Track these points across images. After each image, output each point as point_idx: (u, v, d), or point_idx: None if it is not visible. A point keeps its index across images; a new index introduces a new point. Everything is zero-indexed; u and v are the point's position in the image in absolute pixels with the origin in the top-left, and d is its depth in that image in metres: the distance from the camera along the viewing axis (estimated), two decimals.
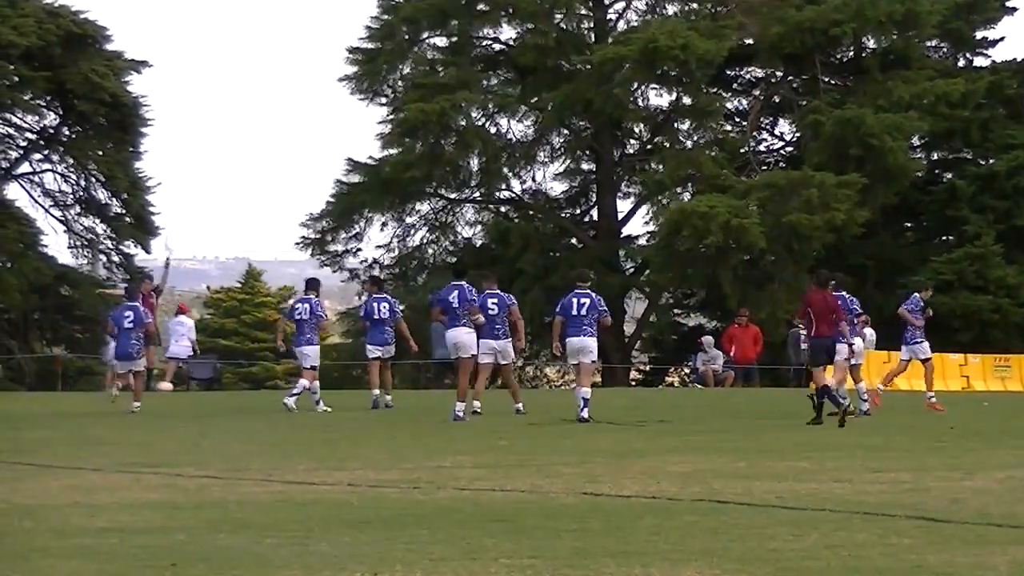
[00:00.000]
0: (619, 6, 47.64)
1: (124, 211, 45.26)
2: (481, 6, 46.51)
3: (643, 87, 46.43)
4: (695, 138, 46.62)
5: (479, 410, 22.34)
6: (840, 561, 8.30)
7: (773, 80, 48.32)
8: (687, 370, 43.25)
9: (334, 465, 14.22)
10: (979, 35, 49.58)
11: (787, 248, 42.28)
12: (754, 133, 48.17)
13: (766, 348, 39.72)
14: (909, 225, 49.39)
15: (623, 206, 47.78)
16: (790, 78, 47.85)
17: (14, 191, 45.39)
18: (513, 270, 42.97)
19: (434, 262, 47.45)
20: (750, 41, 46.30)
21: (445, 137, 44.95)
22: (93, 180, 45.24)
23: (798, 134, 47.38)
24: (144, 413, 23.60)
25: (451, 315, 22.51)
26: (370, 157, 46.61)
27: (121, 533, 9.61)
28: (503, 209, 48.39)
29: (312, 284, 25.78)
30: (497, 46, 47.71)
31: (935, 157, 49.26)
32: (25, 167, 45.60)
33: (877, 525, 9.67)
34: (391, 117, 45.67)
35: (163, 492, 12.10)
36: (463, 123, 45.04)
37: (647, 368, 48.80)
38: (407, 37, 46.51)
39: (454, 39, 46.97)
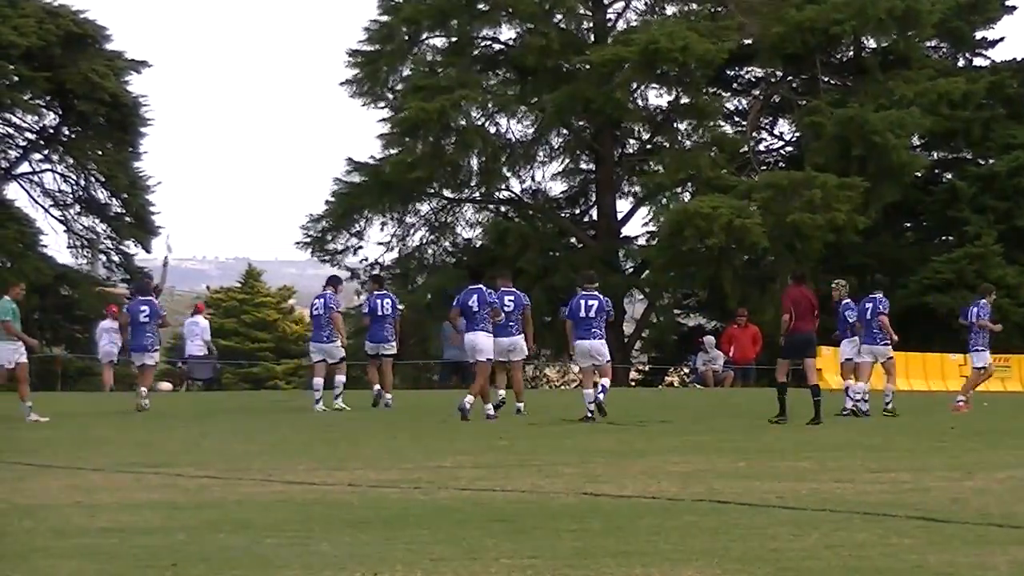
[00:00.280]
0: (619, 6, 47.71)
1: (124, 211, 45.25)
2: (481, 6, 46.47)
3: (643, 87, 46.49)
4: (695, 138, 46.64)
5: (504, 401, 22.86)
6: (840, 561, 8.30)
7: (773, 80, 48.31)
8: (687, 370, 43.23)
9: (334, 465, 14.21)
10: (979, 35, 49.53)
11: (789, 248, 42.26)
12: (754, 133, 48.14)
13: (766, 348, 39.67)
14: (909, 225, 49.32)
15: (623, 206, 47.89)
16: (790, 78, 47.85)
17: (14, 191, 45.46)
18: (513, 270, 42.88)
19: (434, 262, 47.48)
20: (750, 41, 46.26)
21: (445, 137, 44.96)
22: (93, 180, 45.23)
23: (798, 134, 47.36)
24: (144, 413, 23.67)
25: (470, 318, 22.48)
26: (371, 157, 46.71)
27: (121, 533, 9.60)
28: (503, 209, 48.39)
29: (330, 281, 25.99)
30: (497, 46, 47.72)
31: (936, 157, 49.17)
32: (25, 167, 45.64)
33: (878, 525, 9.67)
34: (391, 117, 45.69)
35: (163, 492, 12.10)
36: (463, 123, 45.05)
37: (647, 368, 48.77)
38: (407, 38, 46.51)
39: (454, 40, 46.97)
